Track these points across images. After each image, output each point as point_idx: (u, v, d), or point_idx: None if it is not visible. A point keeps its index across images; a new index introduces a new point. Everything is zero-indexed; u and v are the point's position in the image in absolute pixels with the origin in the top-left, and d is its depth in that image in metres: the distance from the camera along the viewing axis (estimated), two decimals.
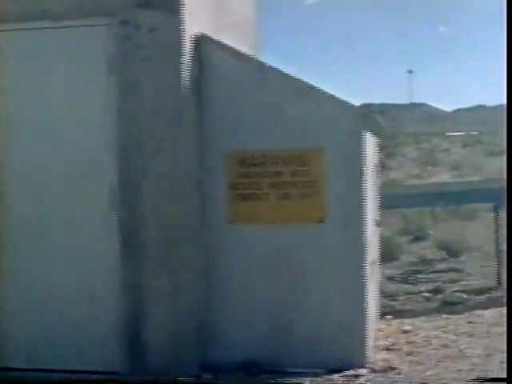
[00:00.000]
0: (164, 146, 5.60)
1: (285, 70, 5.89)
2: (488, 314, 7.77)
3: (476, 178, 21.80)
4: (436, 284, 9.35)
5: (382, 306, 8.31)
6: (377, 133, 7.90)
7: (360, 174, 5.79)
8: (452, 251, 11.75)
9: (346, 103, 5.85)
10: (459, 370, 5.66)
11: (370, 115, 6.70)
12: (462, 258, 11.58)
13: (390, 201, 9.90)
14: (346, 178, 5.78)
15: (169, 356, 5.63)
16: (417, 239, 13.57)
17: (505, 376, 4.51)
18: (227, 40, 6.13)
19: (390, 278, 9.86)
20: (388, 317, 7.82)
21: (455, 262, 11.15)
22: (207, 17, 6.10)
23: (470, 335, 6.89)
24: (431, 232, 13.61)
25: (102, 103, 5.67)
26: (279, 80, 5.89)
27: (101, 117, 5.67)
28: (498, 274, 9.31)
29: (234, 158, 5.85)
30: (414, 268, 10.82)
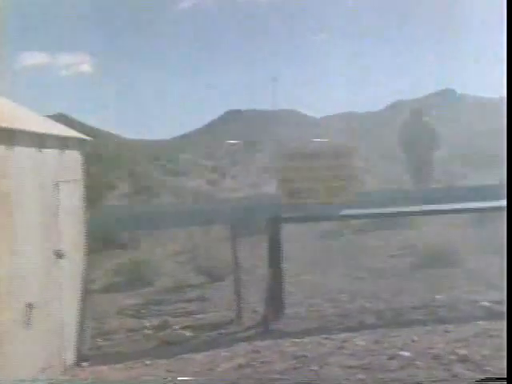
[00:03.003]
0: None
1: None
2: (200, 358, 6.67)
3: None
4: (164, 318, 8.19)
5: (92, 347, 7.14)
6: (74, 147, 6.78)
7: None
8: (215, 275, 10.72)
9: None
10: None
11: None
12: (225, 282, 10.55)
13: (170, 220, 8.84)
14: None
15: None
16: (189, 261, 12.45)
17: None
18: None
19: (120, 312, 8.68)
20: (84, 364, 6.63)
21: (212, 288, 10.11)
22: None
23: None
24: (204, 253, 12.49)
25: None
26: None
27: None
28: (239, 305, 8.30)
29: None
30: (159, 297, 9.65)
